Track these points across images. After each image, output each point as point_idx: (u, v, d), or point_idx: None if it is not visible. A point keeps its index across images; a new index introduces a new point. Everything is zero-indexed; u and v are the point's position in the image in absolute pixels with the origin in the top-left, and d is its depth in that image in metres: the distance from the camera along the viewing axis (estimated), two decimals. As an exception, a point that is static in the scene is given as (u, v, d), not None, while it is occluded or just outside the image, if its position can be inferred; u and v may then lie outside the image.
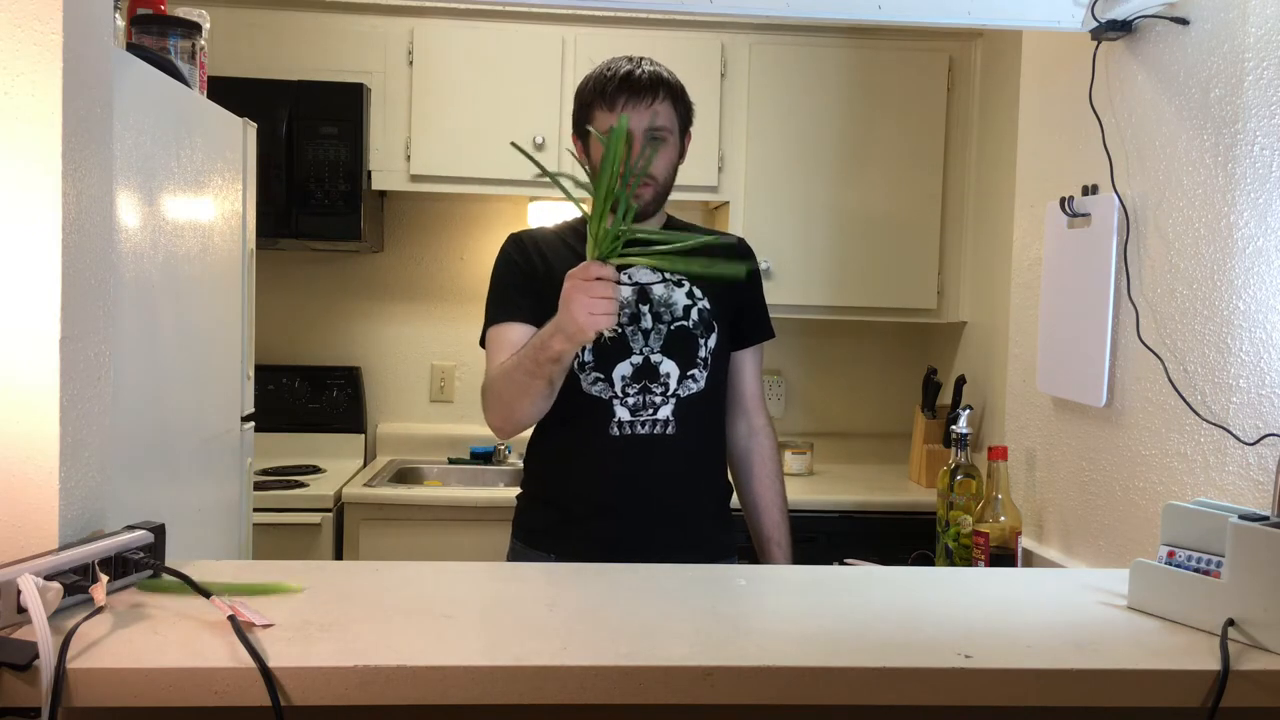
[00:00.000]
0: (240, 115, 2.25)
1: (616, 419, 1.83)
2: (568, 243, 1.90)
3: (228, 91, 2.25)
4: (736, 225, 3.27)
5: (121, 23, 1.84)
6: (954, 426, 2.37)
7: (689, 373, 1.87)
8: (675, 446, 1.85)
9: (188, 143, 1.93)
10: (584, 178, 1.63)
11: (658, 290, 1.87)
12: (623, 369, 1.84)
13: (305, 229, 3.16)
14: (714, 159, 3.26)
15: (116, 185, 1.50)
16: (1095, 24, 1.94)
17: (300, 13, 3.21)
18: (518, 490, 2.01)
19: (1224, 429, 1.67)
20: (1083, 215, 2.07)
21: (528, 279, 1.86)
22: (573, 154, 1.93)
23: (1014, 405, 2.40)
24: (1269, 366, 1.66)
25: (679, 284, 1.88)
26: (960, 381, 3.22)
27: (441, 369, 3.61)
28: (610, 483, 1.86)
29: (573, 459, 1.88)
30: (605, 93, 1.81)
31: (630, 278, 1.86)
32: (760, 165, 3.28)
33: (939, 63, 3.33)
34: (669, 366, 1.85)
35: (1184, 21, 1.80)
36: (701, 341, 1.88)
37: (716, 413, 1.96)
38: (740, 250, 2.02)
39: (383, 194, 3.44)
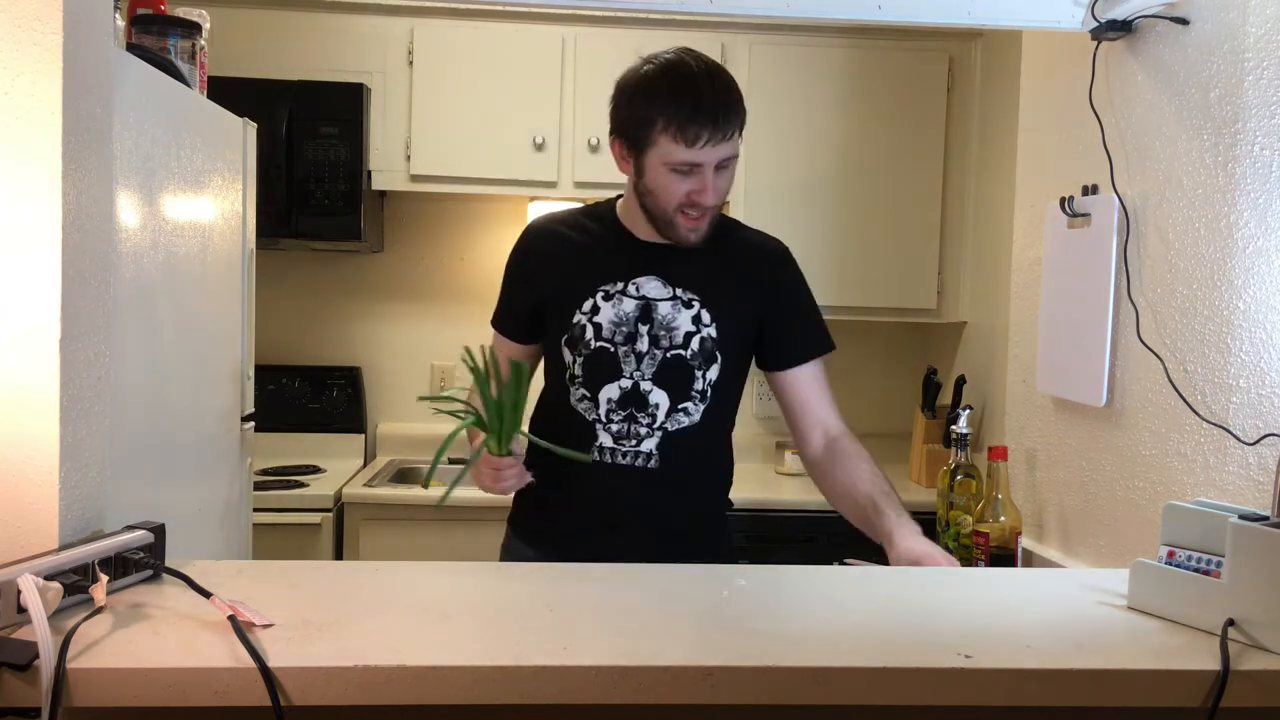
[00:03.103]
0: (240, 115, 2.25)
1: (599, 443, 1.74)
2: (581, 226, 1.82)
3: (228, 91, 2.25)
4: (736, 225, 3.27)
5: (121, 23, 1.84)
6: (954, 426, 2.37)
7: (681, 405, 1.75)
8: (657, 480, 1.75)
9: (188, 143, 1.93)
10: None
11: (663, 309, 1.73)
12: (609, 391, 1.73)
13: (305, 229, 3.16)
14: (714, 159, 3.25)
15: (116, 185, 1.51)
16: (1095, 24, 1.93)
17: (300, 13, 3.21)
18: None
19: (1224, 429, 1.67)
20: (1083, 215, 2.07)
21: (525, 294, 1.84)
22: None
23: (1014, 405, 2.40)
24: (1269, 366, 1.66)
25: (687, 305, 1.75)
26: (960, 381, 3.22)
27: (441, 369, 3.60)
28: (588, 508, 1.78)
29: (557, 472, 1.76)
30: (685, 129, 1.60)
31: (638, 289, 1.75)
32: (760, 165, 3.27)
33: (939, 63, 3.33)
34: (659, 397, 1.73)
35: (1184, 21, 1.80)
36: (699, 374, 1.75)
37: (714, 447, 1.85)
38: (775, 256, 1.86)
39: (383, 194, 3.44)
